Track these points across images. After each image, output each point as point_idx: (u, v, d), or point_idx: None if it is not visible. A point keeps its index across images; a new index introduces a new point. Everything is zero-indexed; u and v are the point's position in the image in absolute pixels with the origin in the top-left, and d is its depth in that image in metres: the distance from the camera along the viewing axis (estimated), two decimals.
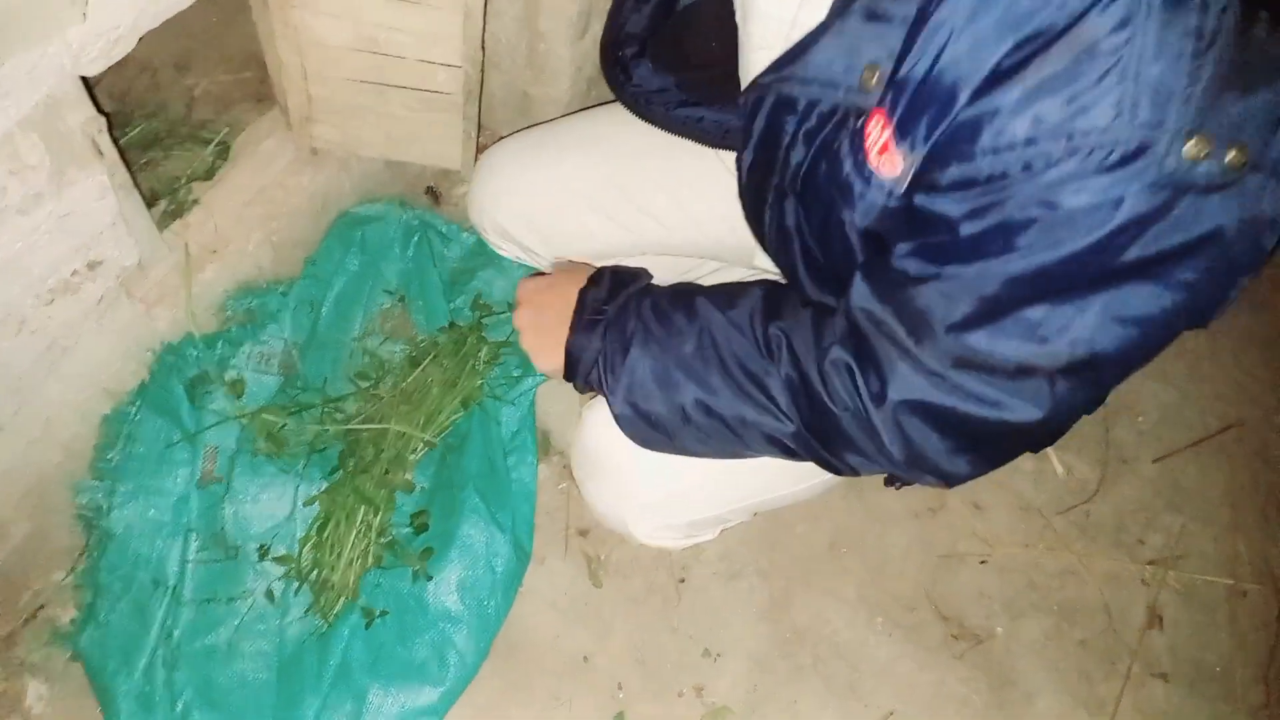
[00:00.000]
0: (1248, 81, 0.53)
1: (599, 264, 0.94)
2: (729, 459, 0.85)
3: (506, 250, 1.18)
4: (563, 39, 1.22)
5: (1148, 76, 0.52)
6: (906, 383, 0.67)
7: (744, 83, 0.87)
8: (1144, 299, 0.59)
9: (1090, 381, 0.63)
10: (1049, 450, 1.43)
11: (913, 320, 0.65)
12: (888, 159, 0.63)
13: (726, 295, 0.82)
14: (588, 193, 1.08)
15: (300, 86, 1.07)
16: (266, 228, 1.14)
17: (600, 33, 1.22)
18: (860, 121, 0.65)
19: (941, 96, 0.59)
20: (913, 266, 0.64)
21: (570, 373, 0.85)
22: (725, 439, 0.81)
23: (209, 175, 1.16)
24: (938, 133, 0.60)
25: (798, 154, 0.72)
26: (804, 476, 0.99)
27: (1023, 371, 0.63)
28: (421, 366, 1.20)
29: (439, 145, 1.16)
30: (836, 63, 0.64)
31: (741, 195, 0.84)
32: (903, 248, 0.65)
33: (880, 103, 0.62)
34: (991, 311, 0.61)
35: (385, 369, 1.23)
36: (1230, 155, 0.53)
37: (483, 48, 1.04)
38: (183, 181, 1.14)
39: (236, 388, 1.12)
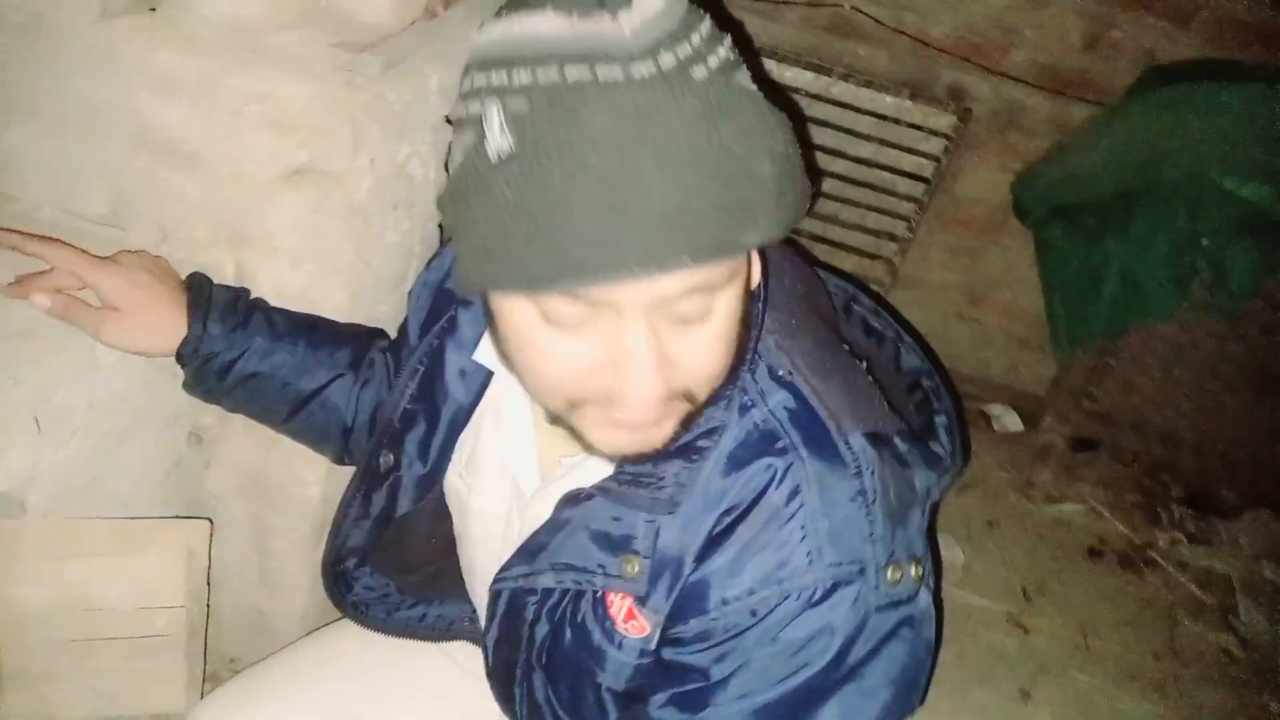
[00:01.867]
0: (903, 512, 0.67)
1: None
2: None
3: None
4: (295, 555, 1.23)
5: (823, 529, 0.64)
6: None
7: (467, 574, 0.93)
8: (866, 700, 0.66)
9: None
10: None
11: None
12: (635, 624, 0.69)
13: None
14: None
15: None
16: None
17: None
18: (600, 593, 0.71)
19: (672, 565, 0.67)
20: (669, 715, 0.68)
21: None
22: None
23: None
24: (674, 595, 0.67)
25: (542, 629, 0.76)
26: None
27: None
28: None
29: (158, 691, 1.07)
30: (588, 555, 0.71)
31: (490, 676, 0.85)
32: (659, 698, 0.69)
33: (632, 582, 0.69)
34: None
35: None
36: (915, 571, 0.66)
37: (208, 583, 1.02)
38: None
39: None
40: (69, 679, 1.01)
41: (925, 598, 0.67)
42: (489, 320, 0.67)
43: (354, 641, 1.06)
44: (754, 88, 0.59)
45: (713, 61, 0.55)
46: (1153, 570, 2.17)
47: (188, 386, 0.97)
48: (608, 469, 0.71)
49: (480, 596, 0.90)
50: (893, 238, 2.31)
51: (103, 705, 1.06)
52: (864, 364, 0.78)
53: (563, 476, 0.76)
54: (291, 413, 0.99)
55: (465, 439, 0.88)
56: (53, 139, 1.00)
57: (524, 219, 0.53)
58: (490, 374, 0.84)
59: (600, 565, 0.70)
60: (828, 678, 0.65)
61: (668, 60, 0.53)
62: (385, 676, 1.05)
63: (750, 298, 0.67)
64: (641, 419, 0.61)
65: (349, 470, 1.18)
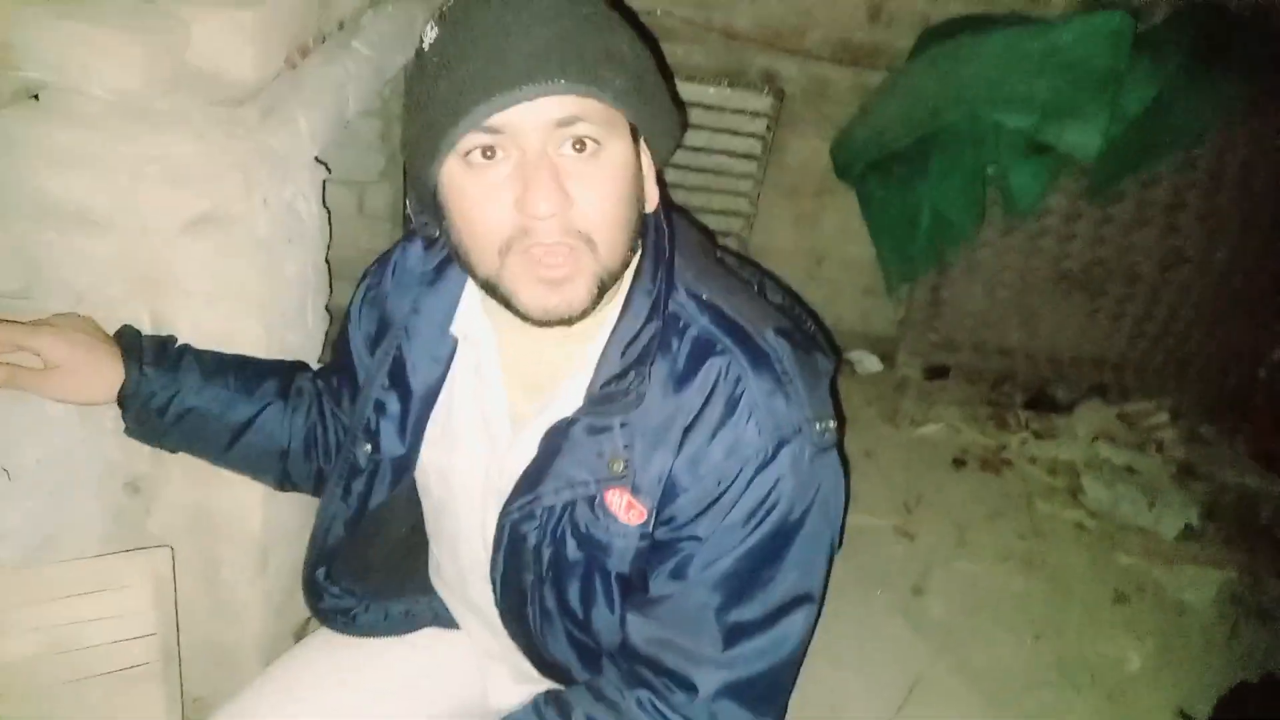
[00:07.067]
0: (815, 383, 0.87)
1: None
2: None
3: None
4: (244, 583, 1.32)
5: (762, 406, 0.83)
6: (705, 677, 0.84)
7: (450, 541, 1.04)
8: (817, 533, 0.85)
9: (809, 602, 0.86)
10: None
11: (687, 624, 0.84)
12: (634, 512, 0.86)
13: None
14: None
15: None
16: None
17: (278, 564, 1.35)
18: (599, 496, 0.86)
19: (654, 457, 0.84)
20: (672, 585, 0.85)
21: None
22: None
23: None
24: (662, 482, 0.84)
25: (547, 549, 0.90)
26: None
27: (770, 618, 0.84)
28: None
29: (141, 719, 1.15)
30: (581, 466, 0.86)
31: (500, 605, 0.97)
32: (661, 572, 0.86)
33: (622, 478, 0.85)
34: (739, 587, 0.84)
35: None
36: (831, 424, 0.86)
37: (176, 608, 1.11)
38: None
39: None
40: None
41: (837, 450, 0.88)
42: (435, 209, 0.83)
43: (328, 650, 1.14)
44: (620, 15, 0.82)
45: None
46: (1009, 468, 2.46)
47: (130, 430, 1.06)
48: (577, 402, 0.86)
49: (466, 556, 1.02)
50: (738, 214, 2.53)
51: None
52: (754, 287, 0.99)
53: (535, 419, 0.90)
54: (231, 442, 1.08)
55: (436, 415, 0.99)
56: None
57: (444, 74, 0.75)
58: (454, 349, 0.96)
59: (592, 471, 0.86)
60: (782, 530, 0.83)
61: None
62: (367, 674, 1.13)
63: (644, 189, 0.86)
64: (551, 245, 0.77)
65: (286, 495, 1.29)
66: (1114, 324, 2.59)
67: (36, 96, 1.05)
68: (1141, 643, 1.93)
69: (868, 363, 2.83)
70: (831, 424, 0.86)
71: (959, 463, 2.46)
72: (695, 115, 2.36)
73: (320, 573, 1.07)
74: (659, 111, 0.83)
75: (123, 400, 1.02)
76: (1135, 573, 2.14)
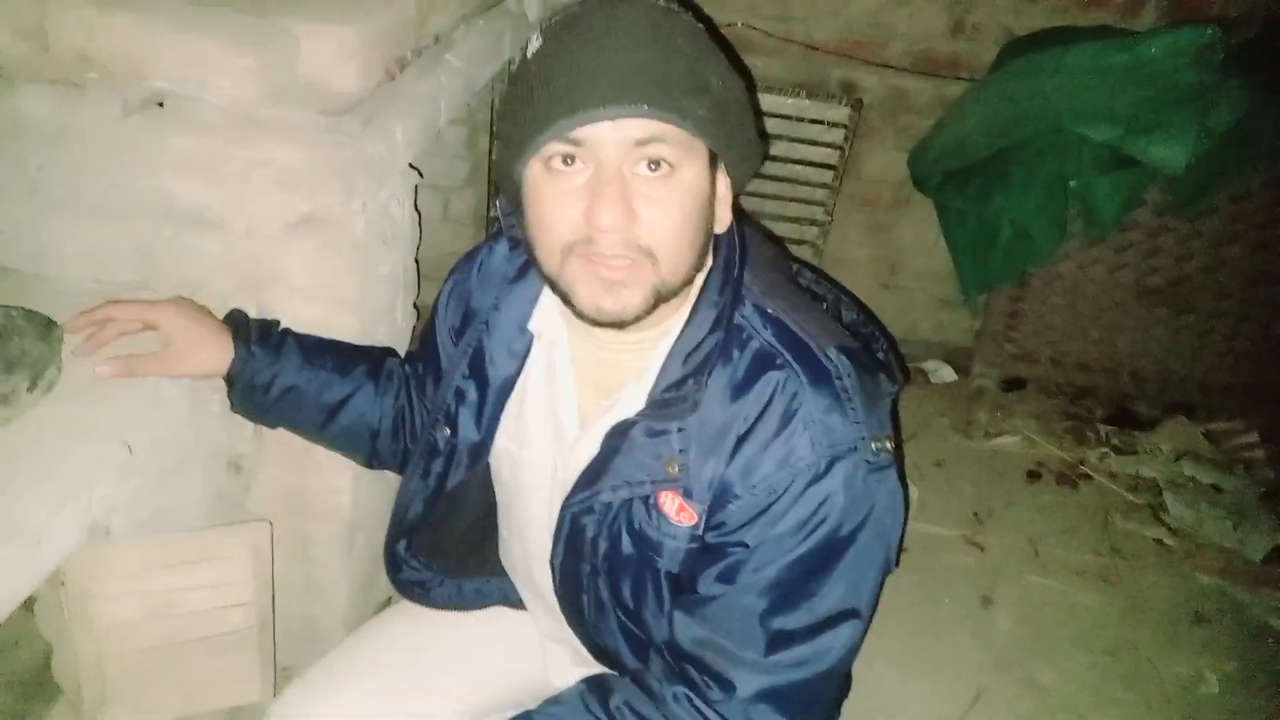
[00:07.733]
0: (874, 403, 0.88)
1: None
2: None
3: None
4: (333, 559, 1.40)
5: (818, 421, 0.85)
6: (745, 679, 0.86)
7: (520, 527, 1.10)
8: (869, 550, 0.87)
9: (855, 617, 0.88)
10: None
11: (731, 627, 0.87)
12: (685, 514, 0.89)
13: (553, 704, 0.96)
14: (377, 712, 1.12)
15: (94, 673, 1.12)
16: None
17: (364, 544, 1.43)
18: (653, 497, 0.90)
19: (708, 463, 0.88)
20: (720, 588, 0.88)
21: None
22: None
23: None
24: (713, 487, 0.87)
25: (602, 542, 0.95)
26: None
27: (814, 629, 0.86)
28: None
29: (237, 684, 1.23)
30: (639, 467, 0.90)
31: (558, 591, 1.03)
32: (709, 575, 0.88)
33: (676, 480, 0.89)
34: (786, 595, 0.85)
35: None
36: (888, 444, 0.87)
37: (273, 578, 1.19)
38: None
39: None
40: (159, 682, 1.17)
41: (895, 471, 0.89)
42: (520, 209, 0.88)
43: (404, 622, 1.22)
44: (715, 47, 0.85)
45: (686, 15, 0.85)
46: (1087, 483, 2.42)
47: (235, 406, 1.14)
48: (640, 405, 0.90)
49: (533, 542, 1.07)
50: (813, 223, 2.55)
51: (188, 703, 1.21)
52: (825, 305, 1.01)
53: (600, 418, 0.94)
54: (326, 420, 1.16)
55: (511, 406, 1.05)
56: (86, 224, 1.17)
57: (540, 83, 0.80)
58: (530, 345, 1.02)
59: (649, 473, 0.90)
60: (831, 544, 0.85)
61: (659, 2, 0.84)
62: (433, 650, 1.20)
63: (713, 205, 0.89)
64: (612, 254, 0.81)
65: (374, 476, 1.37)
66: (1201, 341, 2.52)
67: (161, 104, 1.15)
68: (1220, 665, 1.88)
69: (942, 372, 2.81)
70: (888, 444, 0.87)
71: (1034, 475, 2.43)
72: (772, 125, 2.38)
73: (401, 545, 1.14)
74: (741, 142, 0.86)
75: (230, 377, 1.11)
76: (1217, 594, 2.08)
